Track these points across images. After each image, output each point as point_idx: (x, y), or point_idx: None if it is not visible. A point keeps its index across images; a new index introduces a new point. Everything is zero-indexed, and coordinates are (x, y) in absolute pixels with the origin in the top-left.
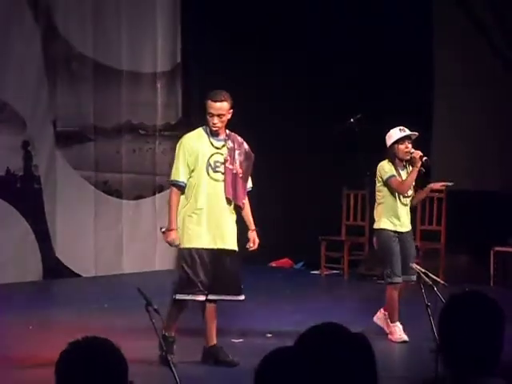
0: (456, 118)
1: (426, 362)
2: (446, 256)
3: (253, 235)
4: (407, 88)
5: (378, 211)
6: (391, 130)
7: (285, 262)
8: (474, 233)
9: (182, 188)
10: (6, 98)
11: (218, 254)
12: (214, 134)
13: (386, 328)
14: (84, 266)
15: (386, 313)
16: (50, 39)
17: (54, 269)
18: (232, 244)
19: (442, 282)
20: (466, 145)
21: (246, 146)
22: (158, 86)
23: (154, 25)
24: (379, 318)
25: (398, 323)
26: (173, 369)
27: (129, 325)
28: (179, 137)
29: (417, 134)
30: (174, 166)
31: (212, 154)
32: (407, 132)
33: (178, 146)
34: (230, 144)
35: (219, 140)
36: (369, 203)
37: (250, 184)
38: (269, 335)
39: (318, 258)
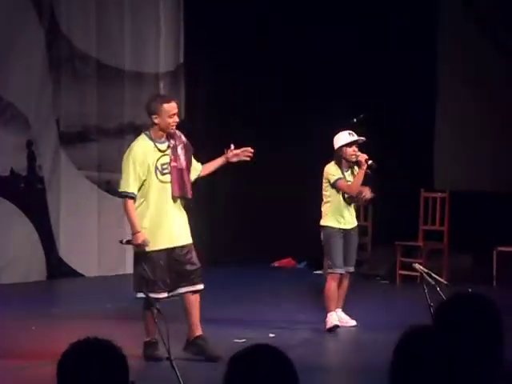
0: (458, 119)
1: None
2: (448, 256)
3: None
4: (408, 89)
5: (324, 209)
6: (340, 133)
7: (287, 261)
8: (476, 233)
9: (132, 198)
10: (10, 98)
11: (173, 253)
12: (158, 137)
13: (347, 322)
14: (87, 265)
15: (336, 310)
16: (53, 39)
17: (58, 269)
18: (186, 239)
19: (444, 282)
20: (469, 145)
21: (183, 138)
22: (161, 86)
23: (157, 25)
24: (339, 318)
25: (333, 313)
26: (176, 369)
27: (131, 325)
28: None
29: (364, 139)
30: (123, 177)
31: (158, 158)
32: (355, 137)
33: (126, 156)
34: (171, 142)
35: (163, 142)
36: (371, 204)
37: (198, 171)
38: (271, 335)
39: (320, 257)
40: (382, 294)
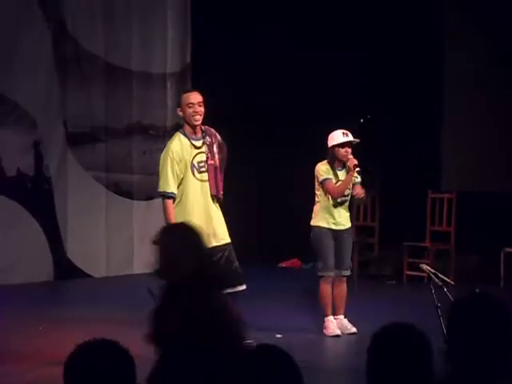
0: (465, 120)
1: (436, 363)
2: (456, 257)
3: None
4: (415, 90)
5: (315, 209)
6: (334, 132)
7: (294, 262)
8: (484, 233)
9: (171, 198)
10: (17, 99)
11: (213, 252)
12: (192, 133)
13: (348, 329)
14: (95, 266)
15: (338, 317)
16: (60, 39)
17: (65, 269)
18: (224, 238)
19: (451, 282)
20: (475, 146)
21: (218, 136)
22: (168, 86)
23: (164, 25)
24: (341, 325)
25: (331, 317)
26: None
27: (138, 326)
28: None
29: (358, 140)
30: (162, 176)
31: (195, 156)
32: (350, 138)
33: (163, 155)
34: (207, 139)
35: (198, 139)
36: (379, 204)
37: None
38: (278, 336)
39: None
40: (389, 294)
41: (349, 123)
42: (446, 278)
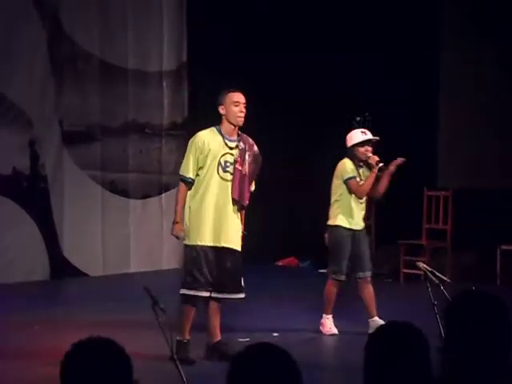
0: (461, 118)
1: (433, 361)
2: (452, 254)
3: None
4: (413, 89)
5: (333, 208)
6: (353, 132)
7: (291, 260)
8: (480, 231)
9: (189, 184)
10: (13, 98)
11: (220, 253)
12: (228, 133)
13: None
14: (91, 265)
15: (373, 319)
16: (56, 38)
17: (61, 268)
18: (235, 244)
19: (448, 280)
20: (471, 144)
21: (255, 148)
22: (164, 85)
23: (160, 24)
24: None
25: (330, 316)
26: (179, 368)
27: (135, 324)
28: (185, 136)
29: (378, 138)
30: (184, 160)
31: (223, 154)
32: (369, 136)
33: (191, 141)
34: (241, 145)
35: (232, 140)
36: (375, 202)
37: (252, 187)
38: (275, 334)
39: (324, 256)
40: (386, 292)
41: (348, 124)
42: (442, 276)
